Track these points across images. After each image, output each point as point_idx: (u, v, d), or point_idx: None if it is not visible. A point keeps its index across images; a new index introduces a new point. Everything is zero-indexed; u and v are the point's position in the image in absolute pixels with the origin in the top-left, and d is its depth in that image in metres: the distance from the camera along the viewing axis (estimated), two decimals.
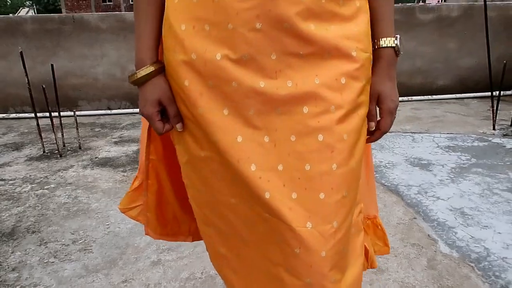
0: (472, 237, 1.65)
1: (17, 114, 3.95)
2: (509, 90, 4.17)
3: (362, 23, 0.67)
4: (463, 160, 2.52)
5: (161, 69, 0.70)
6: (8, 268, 1.55)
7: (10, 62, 3.84)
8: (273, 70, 0.62)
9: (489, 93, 3.31)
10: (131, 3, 35.05)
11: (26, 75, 2.69)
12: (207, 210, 0.74)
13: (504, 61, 3.19)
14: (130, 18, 3.87)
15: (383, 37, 0.70)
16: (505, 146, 2.77)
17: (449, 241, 1.64)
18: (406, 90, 4.21)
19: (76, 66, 3.91)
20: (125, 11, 35.03)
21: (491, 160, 2.52)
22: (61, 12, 37.47)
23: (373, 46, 0.71)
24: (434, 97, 4.24)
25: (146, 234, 0.97)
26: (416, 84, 4.24)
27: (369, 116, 0.72)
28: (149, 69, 0.69)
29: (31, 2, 60.20)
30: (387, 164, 2.49)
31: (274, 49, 0.62)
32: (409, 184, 2.19)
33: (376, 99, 0.72)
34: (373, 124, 0.74)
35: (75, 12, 35.02)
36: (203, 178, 0.70)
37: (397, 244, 1.62)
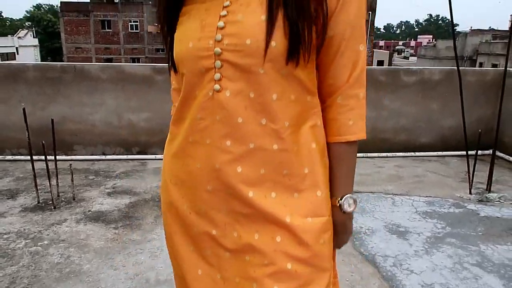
0: None
1: (14, 157, 4.05)
2: (488, 149, 4.38)
3: (307, 191, 0.77)
4: (439, 229, 2.67)
5: None
6: None
7: (10, 107, 3.97)
8: (223, 222, 0.79)
9: (470, 152, 3.49)
10: (130, 30, 35.75)
11: (25, 119, 2.82)
12: None
13: (480, 130, 3.40)
14: (129, 69, 4.06)
15: (332, 196, 0.82)
16: (479, 214, 2.93)
17: None
18: (390, 146, 4.41)
19: (75, 112, 4.05)
20: (124, 38, 35.69)
21: (465, 229, 2.67)
22: (59, 36, 37.95)
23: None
24: (417, 153, 4.43)
25: None
26: (400, 141, 4.45)
27: None
28: None
29: (30, 23, 61.12)
30: (366, 231, 2.63)
31: (223, 206, 0.78)
32: (386, 255, 2.32)
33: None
34: None
35: (74, 37, 35.62)
36: None
37: None
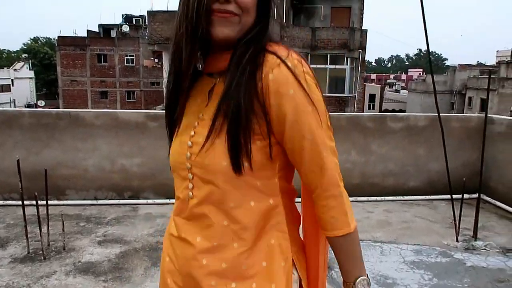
0: None
1: (5, 201, 4.06)
2: (475, 193, 4.47)
3: (263, 283, 0.86)
4: (426, 280, 2.71)
5: None
6: None
7: (4, 152, 4.02)
8: None
9: (456, 196, 3.56)
10: (125, 64, 36.31)
11: (19, 170, 2.86)
12: None
13: (464, 178, 3.50)
14: (122, 116, 4.16)
15: (345, 281, 0.91)
16: (465, 264, 2.98)
17: None
18: (379, 190, 4.49)
19: (68, 157, 4.11)
20: (119, 72, 36.19)
21: (451, 280, 2.71)
22: (55, 68, 38.38)
23: None
24: (406, 197, 4.51)
25: None
26: (389, 185, 4.53)
27: None
28: None
29: (27, 55, 61.83)
30: None
31: None
32: None
33: None
34: None
35: (70, 70, 36.06)
36: None
37: None
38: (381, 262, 2.96)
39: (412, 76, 72.92)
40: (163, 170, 4.01)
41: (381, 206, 4.29)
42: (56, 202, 3.98)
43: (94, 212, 3.93)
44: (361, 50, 17.92)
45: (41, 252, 2.96)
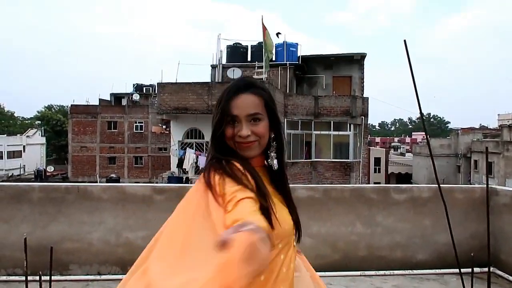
0: None
1: (8, 277, 4.03)
2: (485, 267, 4.36)
3: None
4: None
5: None
6: None
7: (11, 226, 4.07)
8: None
9: (467, 270, 3.48)
10: (134, 131, 37.26)
11: (25, 249, 2.89)
12: None
13: (472, 253, 3.45)
14: (129, 190, 4.24)
15: None
16: None
17: None
18: (387, 263, 4.39)
19: (74, 231, 4.13)
20: (128, 138, 37.06)
21: None
22: (66, 133, 39.49)
23: None
24: (415, 271, 4.39)
25: None
26: (396, 258, 4.44)
27: None
28: None
29: (40, 122, 63.85)
30: None
31: None
32: None
33: None
34: None
35: (81, 137, 36.99)
36: None
37: None
38: None
39: (416, 139, 73.59)
40: None
41: (390, 281, 4.18)
42: (59, 277, 3.94)
43: None
44: (363, 117, 18.37)
45: None
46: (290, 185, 1.35)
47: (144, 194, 4.23)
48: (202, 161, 14.57)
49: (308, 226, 4.21)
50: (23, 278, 4.01)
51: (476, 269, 3.84)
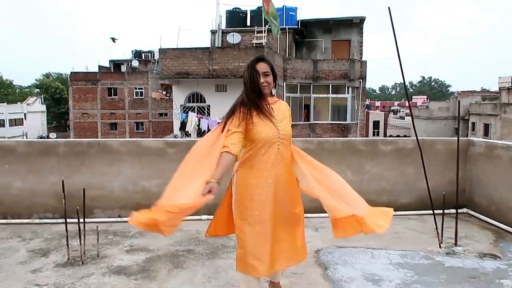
0: None
1: (41, 220, 4.60)
2: (461, 208, 4.93)
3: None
4: (408, 277, 3.17)
5: None
6: None
7: (41, 176, 4.60)
8: None
9: (446, 210, 4.05)
10: (135, 97, 37.47)
11: (63, 189, 3.41)
12: None
13: (443, 193, 3.99)
14: (144, 144, 4.75)
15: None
16: (444, 264, 3.43)
17: None
18: (374, 206, 4.95)
19: (96, 180, 4.67)
20: (129, 104, 37.34)
21: (429, 277, 3.16)
22: (66, 101, 39.69)
23: None
24: (398, 213, 4.97)
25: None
26: (383, 202, 4.98)
27: None
28: None
29: (38, 90, 63.82)
30: (347, 279, 3.12)
31: None
32: None
33: None
34: None
35: (81, 104, 37.27)
36: None
37: None
38: (370, 264, 3.43)
39: (416, 102, 73.55)
40: None
41: None
42: (86, 220, 4.50)
43: (119, 227, 4.45)
44: (361, 80, 18.68)
45: (79, 258, 3.47)
46: None
47: (157, 147, 4.74)
48: (204, 124, 15.04)
49: None
50: (53, 221, 4.62)
51: (452, 210, 4.42)
